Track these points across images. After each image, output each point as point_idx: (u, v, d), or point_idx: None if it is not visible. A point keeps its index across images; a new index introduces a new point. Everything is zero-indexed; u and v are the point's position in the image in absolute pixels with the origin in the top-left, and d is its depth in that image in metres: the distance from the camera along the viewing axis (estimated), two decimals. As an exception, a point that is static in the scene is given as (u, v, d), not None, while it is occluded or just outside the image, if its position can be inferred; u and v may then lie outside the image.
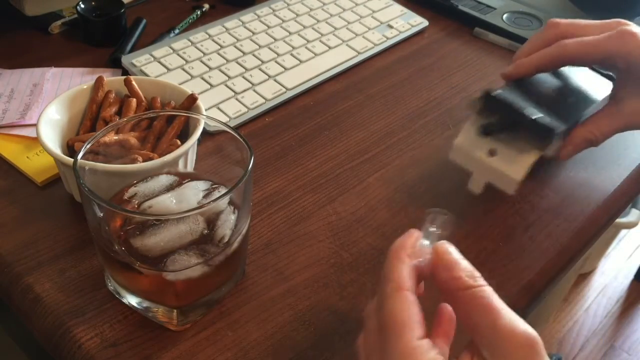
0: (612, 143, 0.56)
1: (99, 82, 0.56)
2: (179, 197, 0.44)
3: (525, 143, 0.49)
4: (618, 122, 0.53)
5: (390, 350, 0.32)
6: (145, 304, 0.45)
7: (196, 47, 0.72)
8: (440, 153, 0.63)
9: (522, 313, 0.50)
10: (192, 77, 0.68)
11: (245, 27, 0.76)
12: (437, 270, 0.35)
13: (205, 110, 0.57)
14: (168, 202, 0.44)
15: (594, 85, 0.57)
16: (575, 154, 0.55)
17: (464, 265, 0.34)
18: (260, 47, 0.74)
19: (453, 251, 0.35)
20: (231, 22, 0.77)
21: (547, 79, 0.54)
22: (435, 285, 0.35)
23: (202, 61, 0.70)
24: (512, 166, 0.48)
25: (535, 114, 0.47)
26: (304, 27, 0.78)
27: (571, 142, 0.54)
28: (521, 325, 0.31)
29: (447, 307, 0.36)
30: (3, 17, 0.77)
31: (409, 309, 0.33)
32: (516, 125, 0.48)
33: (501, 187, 0.49)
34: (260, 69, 0.70)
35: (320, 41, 0.76)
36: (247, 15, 0.78)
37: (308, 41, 0.76)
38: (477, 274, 0.34)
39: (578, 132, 0.54)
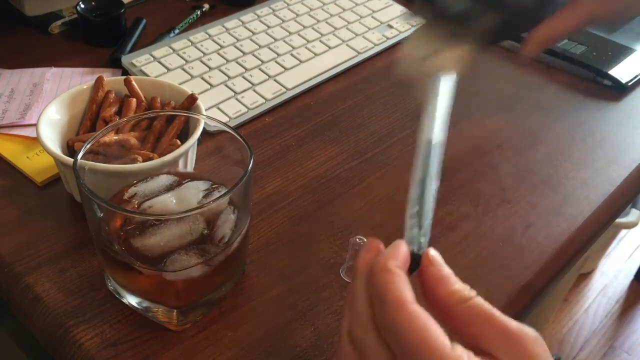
0: (612, 143, 0.56)
1: (99, 82, 0.56)
2: (179, 197, 0.44)
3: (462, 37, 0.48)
4: (579, 14, 0.51)
5: None
6: (145, 304, 0.45)
7: (196, 47, 0.72)
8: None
9: (522, 313, 0.50)
10: (192, 77, 0.68)
11: (245, 27, 0.76)
12: (433, 283, 0.33)
13: (205, 110, 0.57)
14: (168, 202, 0.44)
15: None
16: (538, 52, 0.53)
17: (455, 277, 0.33)
18: (260, 47, 0.74)
19: (443, 262, 0.34)
20: (231, 22, 0.77)
21: None
22: (426, 298, 0.33)
23: (202, 61, 0.70)
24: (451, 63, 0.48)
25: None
26: (304, 27, 0.78)
27: (532, 38, 0.52)
28: (522, 325, 0.31)
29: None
30: (3, 17, 0.77)
31: (427, 323, 0.30)
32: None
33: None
34: (260, 69, 0.70)
35: (320, 41, 0.76)
36: (247, 15, 0.78)
37: (308, 41, 0.76)
38: (467, 285, 0.33)
39: (539, 28, 0.52)
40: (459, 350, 0.30)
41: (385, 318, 0.31)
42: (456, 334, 0.32)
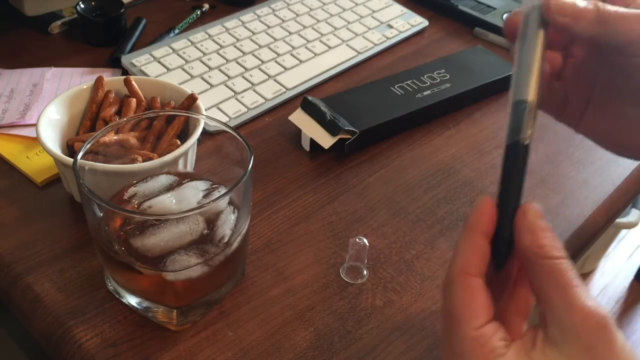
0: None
1: (98, 82, 0.56)
2: (179, 197, 0.44)
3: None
4: None
5: (451, 341, 0.32)
6: (145, 304, 0.45)
7: (196, 47, 0.72)
8: (440, 153, 0.63)
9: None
10: (192, 77, 0.68)
11: (245, 27, 0.76)
12: (521, 232, 0.32)
13: (205, 110, 0.57)
14: (168, 202, 0.44)
15: None
16: None
17: (550, 232, 0.32)
18: (260, 47, 0.74)
19: (540, 215, 0.33)
20: (231, 22, 0.77)
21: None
22: (516, 246, 0.33)
23: (202, 61, 0.70)
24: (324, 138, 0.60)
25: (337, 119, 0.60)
26: (304, 27, 0.78)
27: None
28: (596, 306, 0.30)
29: (525, 283, 0.34)
30: (3, 17, 0.77)
31: (470, 297, 0.31)
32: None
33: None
34: (260, 69, 0.70)
35: (320, 41, 0.76)
36: (247, 15, 0.78)
37: (308, 41, 0.76)
38: (560, 244, 0.32)
39: None
40: (488, 333, 0.31)
41: (447, 273, 0.33)
42: (535, 294, 0.33)
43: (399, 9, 0.84)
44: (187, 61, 0.70)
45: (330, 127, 0.59)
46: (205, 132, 0.53)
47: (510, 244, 0.33)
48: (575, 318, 0.30)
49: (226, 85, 0.68)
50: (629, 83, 0.40)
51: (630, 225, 1.43)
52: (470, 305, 0.31)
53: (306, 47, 0.75)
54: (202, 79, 0.68)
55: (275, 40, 0.75)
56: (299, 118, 0.62)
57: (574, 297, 0.30)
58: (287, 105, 0.68)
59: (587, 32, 0.37)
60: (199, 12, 0.81)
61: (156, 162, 0.48)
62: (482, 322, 0.31)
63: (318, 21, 0.79)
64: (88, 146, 0.44)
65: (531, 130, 0.34)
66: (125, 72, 0.69)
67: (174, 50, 0.71)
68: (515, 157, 0.34)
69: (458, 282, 0.32)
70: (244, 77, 0.69)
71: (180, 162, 0.50)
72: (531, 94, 0.34)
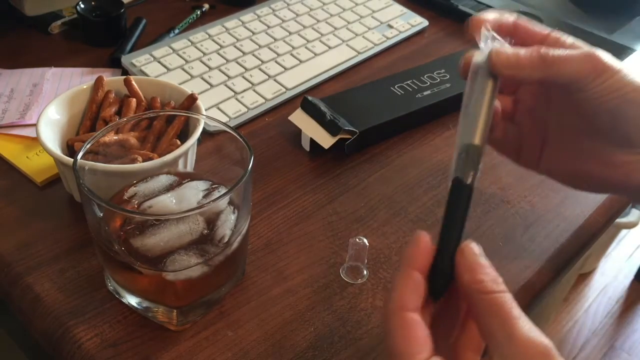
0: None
1: (98, 82, 0.56)
2: (179, 197, 0.44)
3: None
4: None
5: None
6: (145, 304, 0.45)
7: (196, 47, 0.72)
8: (440, 153, 0.63)
9: (522, 313, 0.50)
10: (192, 77, 0.68)
11: (245, 27, 0.76)
12: (460, 270, 0.34)
13: (205, 110, 0.57)
14: (168, 202, 0.44)
15: None
16: None
17: (488, 269, 0.33)
18: (260, 47, 0.74)
19: (478, 252, 0.34)
20: (231, 22, 0.77)
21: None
22: (458, 283, 0.34)
23: (202, 61, 0.70)
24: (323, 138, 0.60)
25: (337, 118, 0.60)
26: (304, 27, 0.78)
27: None
28: (537, 336, 0.30)
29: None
30: (3, 17, 0.77)
31: (408, 333, 0.32)
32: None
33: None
34: (260, 69, 0.70)
35: (320, 41, 0.76)
36: (247, 15, 0.78)
37: (308, 41, 0.76)
38: (500, 279, 0.33)
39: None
40: None
41: (385, 309, 0.33)
42: (479, 331, 0.33)
43: (399, 9, 0.84)
44: (187, 61, 0.70)
45: (330, 127, 0.59)
46: (205, 132, 0.53)
47: (448, 277, 0.34)
48: (516, 349, 0.30)
49: (226, 85, 0.68)
50: (579, 117, 0.43)
51: (630, 225, 1.43)
52: (409, 342, 0.32)
53: (306, 47, 0.75)
54: (202, 79, 0.68)
55: (275, 40, 0.75)
56: (299, 118, 0.62)
57: (515, 328, 0.31)
58: (287, 105, 0.68)
59: (533, 77, 0.40)
60: (199, 12, 0.81)
61: (156, 162, 0.48)
62: (424, 357, 0.31)
63: (318, 21, 0.79)
64: (88, 146, 0.44)
65: (474, 171, 0.36)
66: (125, 72, 0.69)
67: (174, 50, 0.71)
68: (459, 195, 0.36)
69: (395, 318, 0.33)
70: (244, 77, 0.69)
71: (180, 162, 0.50)
72: (477, 139, 0.37)
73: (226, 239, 0.43)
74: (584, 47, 0.42)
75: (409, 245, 0.35)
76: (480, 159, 0.37)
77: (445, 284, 0.34)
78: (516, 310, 0.32)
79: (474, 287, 0.33)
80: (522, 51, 0.40)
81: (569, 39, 0.43)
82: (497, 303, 0.32)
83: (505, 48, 0.40)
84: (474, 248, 0.34)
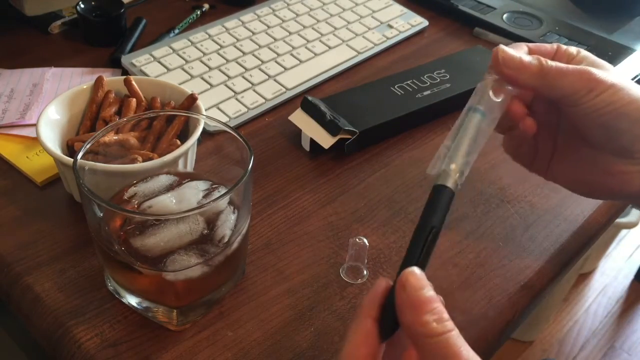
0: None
1: (99, 82, 0.56)
2: (179, 197, 0.44)
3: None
4: None
5: None
6: (145, 304, 0.45)
7: (196, 47, 0.72)
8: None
9: (522, 313, 0.50)
10: (192, 77, 0.68)
11: (245, 27, 0.76)
12: (402, 308, 0.31)
13: (205, 110, 0.58)
14: (168, 202, 0.44)
15: None
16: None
17: (432, 305, 0.31)
18: (260, 47, 0.74)
19: (420, 285, 0.31)
20: (231, 22, 0.77)
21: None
22: (400, 323, 0.32)
23: (202, 61, 0.70)
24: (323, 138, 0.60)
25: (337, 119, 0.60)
26: (304, 27, 0.78)
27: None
28: None
29: None
30: (3, 17, 0.77)
31: None
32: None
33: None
34: (260, 69, 0.70)
35: (320, 41, 0.76)
36: (247, 15, 0.78)
37: (308, 41, 0.76)
38: (446, 315, 0.31)
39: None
40: None
41: (340, 351, 0.33)
42: None
43: (399, 9, 0.84)
44: (187, 61, 0.70)
45: (330, 127, 0.59)
46: (205, 132, 0.53)
47: (395, 317, 0.32)
48: None
49: (226, 85, 0.68)
50: (577, 129, 0.44)
51: (630, 225, 1.43)
52: None
53: (306, 47, 0.75)
54: (202, 79, 0.68)
55: (275, 40, 0.75)
56: (299, 118, 0.62)
57: None
58: (287, 105, 0.68)
59: (529, 84, 0.42)
60: (199, 12, 0.81)
61: (156, 162, 0.48)
62: None
63: (318, 21, 0.79)
64: (88, 146, 0.44)
65: (443, 213, 0.37)
66: (125, 72, 0.69)
67: (174, 50, 0.71)
68: (419, 235, 0.35)
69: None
70: (244, 77, 0.69)
71: (180, 162, 0.50)
72: (457, 163, 0.41)
73: (226, 239, 0.43)
74: (586, 58, 0.44)
75: (369, 292, 0.33)
76: (451, 201, 0.38)
77: (392, 324, 0.32)
78: (464, 349, 0.30)
79: (418, 330, 0.30)
80: (525, 56, 0.42)
81: (575, 50, 0.45)
82: (444, 347, 0.30)
83: (511, 49, 0.43)
84: (415, 281, 0.31)
